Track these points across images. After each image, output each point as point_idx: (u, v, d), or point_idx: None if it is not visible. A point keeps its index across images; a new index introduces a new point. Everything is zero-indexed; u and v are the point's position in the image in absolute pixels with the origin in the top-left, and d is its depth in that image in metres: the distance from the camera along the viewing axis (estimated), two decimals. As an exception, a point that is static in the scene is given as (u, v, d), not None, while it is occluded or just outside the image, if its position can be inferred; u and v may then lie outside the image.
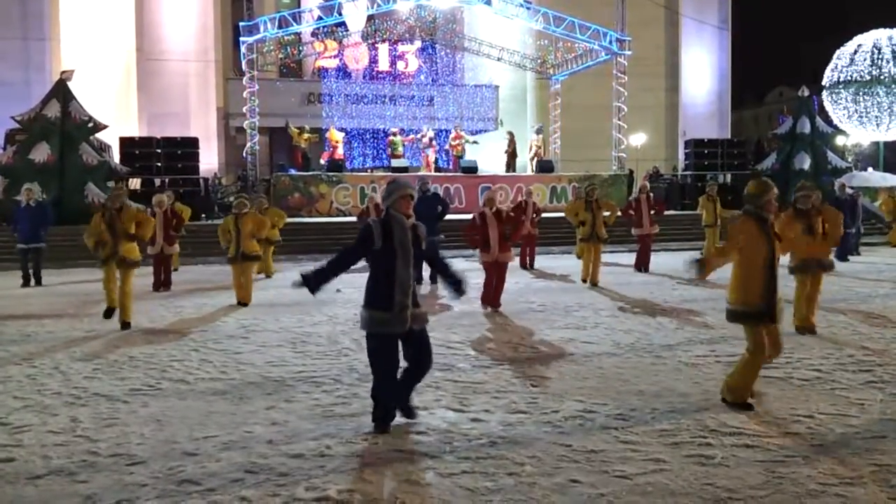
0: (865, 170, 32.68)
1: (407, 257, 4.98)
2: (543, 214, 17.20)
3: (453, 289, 5.33)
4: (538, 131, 28.53)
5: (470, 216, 10.98)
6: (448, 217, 13.80)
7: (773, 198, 5.50)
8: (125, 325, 9.17)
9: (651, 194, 15.19)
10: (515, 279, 13.63)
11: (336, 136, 27.28)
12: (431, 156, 27.82)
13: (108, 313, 9.43)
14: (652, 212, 14.65)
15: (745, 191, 5.61)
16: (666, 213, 17.25)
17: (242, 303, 10.90)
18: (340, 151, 27.20)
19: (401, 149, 27.05)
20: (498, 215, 10.30)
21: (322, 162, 27.22)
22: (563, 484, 4.21)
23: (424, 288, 12.70)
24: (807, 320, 8.33)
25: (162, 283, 13.02)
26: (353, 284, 12.96)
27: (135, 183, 23.56)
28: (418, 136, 28.32)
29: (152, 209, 13.09)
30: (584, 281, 12.86)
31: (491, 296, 10.39)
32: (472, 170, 24.89)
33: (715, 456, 4.59)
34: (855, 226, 16.94)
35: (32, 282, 13.90)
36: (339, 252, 5.12)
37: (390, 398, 5.17)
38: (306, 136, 25.79)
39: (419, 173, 24.97)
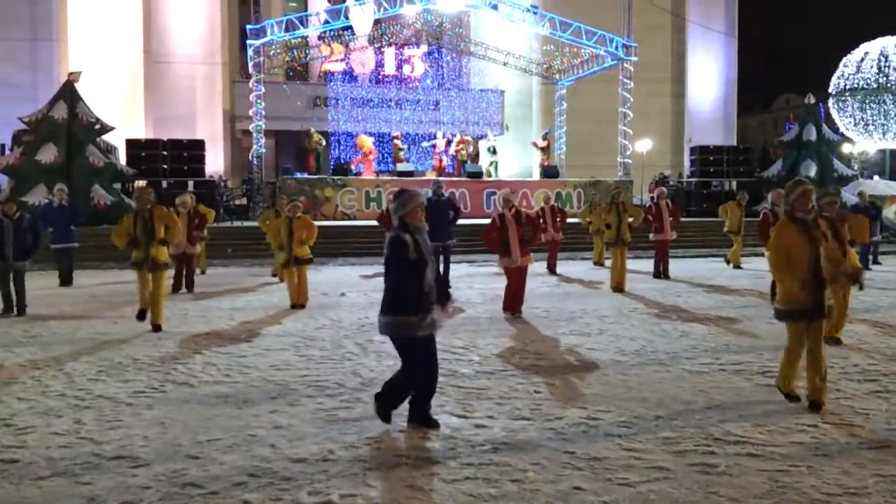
0: (871, 178, 32.60)
1: (431, 263, 5.20)
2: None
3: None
4: (544, 136, 28.59)
5: (476, 221, 10.83)
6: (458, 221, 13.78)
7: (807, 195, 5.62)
8: (157, 328, 9.14)
9: (669, 201, 15.16)
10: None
11: (367, 142, 27.22)
12: (446, 160, 27.85)
13: (142, 315, 9.25)
14: (671, 218, 14.65)
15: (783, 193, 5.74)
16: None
17: (299, 305, 10.92)
18: (371, 158, 27.09)
19: (402, 154, 27.09)
20: (517, 217, 10.02)
21: (352, 168, 27.37)
22: (566, 491, 4.21)
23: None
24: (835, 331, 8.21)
25: (185, 284, 13.13)
26: (356, 288, 13.00)
27: (141, 185, 23.61)
28: (432, 142, 28.33)
29: (176, 209, 13.14)
30: (621, 290, 12.51)
31: (512, 302, 10.18)
32: (477, 175, 24.92)
33: (718, 464, 4.58)
34: (875, 234, 16.93)
35: (68, 284, 13.95)
36: (399, 278, 5.10)
37: (401, 399, 5.32)
38: (317, 138, 25.95)
39: (424, 178, 25.03)
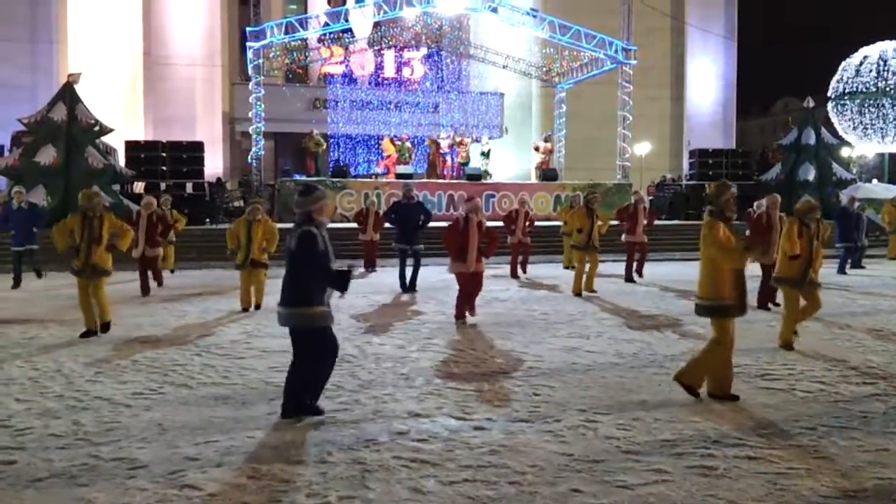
0: (870, 181, 32.64)
1: (333, 258, 5.49)
2: (545, 223, 17.17)
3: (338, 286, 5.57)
4: (546, 139, 28.63)
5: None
6: (435, 224, 13.75)
7: (731, 197, 5.90)
8: (106, 326, 8.91)
9: (646, 206, 15.20)
10: (517, 287, 13.64)
11: (392, 146, 27.20)
12: (449, 162, 27.83)
13: (87, 335, 8.79)
14: (645, 221, 14.66)
15: (706, 193, 5.96)
16: (670, 222, 17.16)
17: (246, 308, 10.89)
18: (394, 159, 27.11)
19: (407, 155, 27.09)
20: (479, 225, 9.95)
21: (378, 170, 27.50)
22: (564, 493, 4.20)
23: (406, 296, 12.64)
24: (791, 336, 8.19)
25: (153, 279, 13.07)
26: (354, 290, 12.98)
27: (139, 186, 23.62)
28: (449, 138, 28.22)
29: (139, 210, 13.10)
30: (579, 294, 12.39)
31: (465, 309, 10.06)
32: (476, 177, 24.92)
33: (717, 467, 4.58)
34: (860, 240, 16.88)
35: (37, 277, 14.05)
36: (317, 264, 5.34)
37: (319, 388, 5.63)
38: (317, 140, 25.99)
39: (423, 180, 25.05)
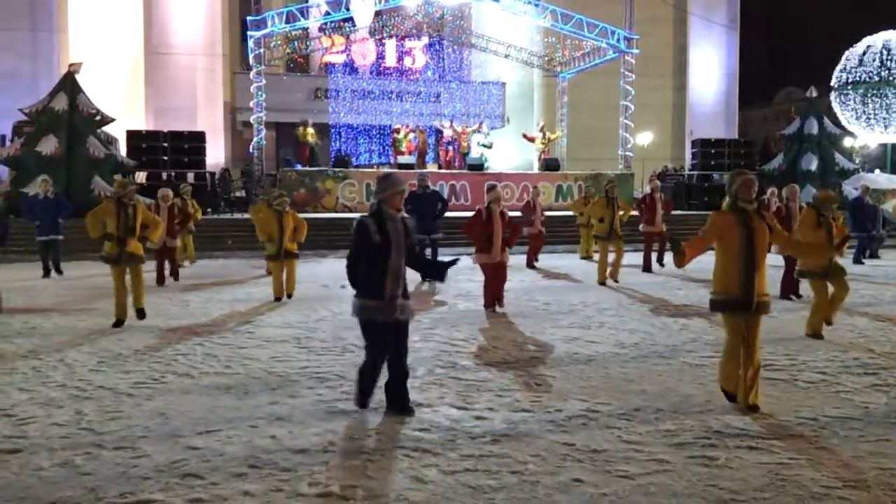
0: (872, 171, 32.57)
1: (400, 249, 5.25)
2: (548, 213, 17.19)
3: (435, 274, 5.72)
4: (541, 129, 28.54)
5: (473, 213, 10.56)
6: (450, 214, 13.75)
7: (744, 184, 5.48)
8: (141, 312, 9.05)
9: (662, 194, 15.22)
10: (520, 278, 13.64)
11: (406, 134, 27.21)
12: (451, 152, 27.77)
13: (119, 324, 8.87)
14: (662, 210, 14.67)
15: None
16: (673, 212, 17.10)
17: (279, 297, 10.99)
18: (403, 149, 27.06)
19: (405, 146, 27.03)
20: (502, 215, 9.94)
21: (393, 162, 27.44)
22: (566, 483, 4.21)
23: (423, 285, 12.68)
24: (820, 326, 8.27)
25: (170, 274, 13.14)
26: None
27: (141, 176, 23.60)
28: (448, 128, 28.14)
29: (157, 202, 13.14)
30: (603, 283, 12.53)
31: (493, 298, 10.09)
32: (478, 167, 24.88)
33: (718, 457, 4.59)
34: (876, 229, 16.88)
35: (53, 273, 14.03)
36: (353, 261, 5.37)
37: (369, 385, 5.50)
38: (311, 132, 25.87)
39: (430, 170, 25.00)
